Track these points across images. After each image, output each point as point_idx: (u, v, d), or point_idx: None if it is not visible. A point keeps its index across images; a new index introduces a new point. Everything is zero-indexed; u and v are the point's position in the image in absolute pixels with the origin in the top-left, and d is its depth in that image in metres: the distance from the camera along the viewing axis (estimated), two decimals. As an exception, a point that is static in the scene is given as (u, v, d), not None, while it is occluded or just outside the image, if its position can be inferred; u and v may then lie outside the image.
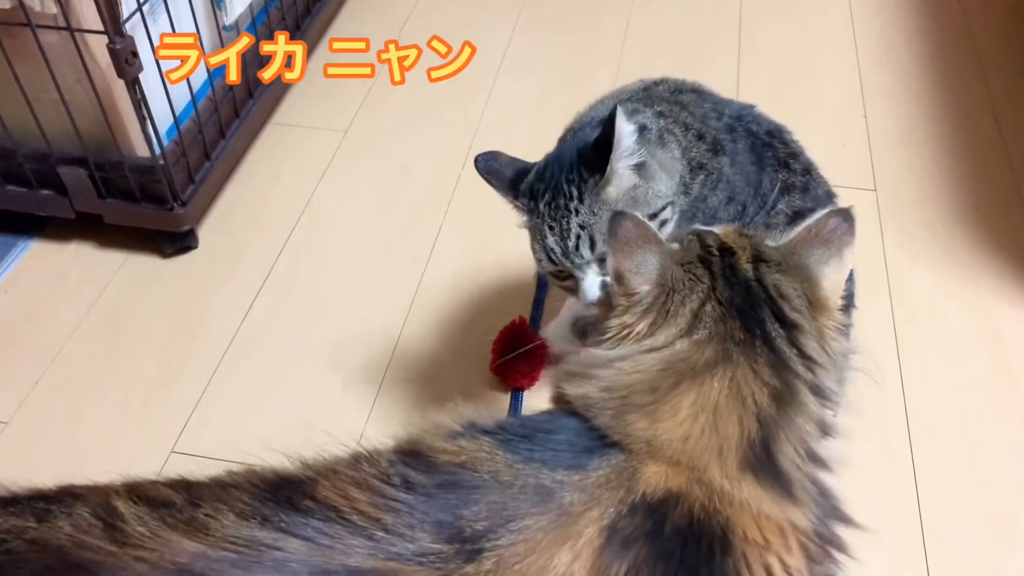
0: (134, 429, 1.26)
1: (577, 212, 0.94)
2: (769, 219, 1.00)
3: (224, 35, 1.55)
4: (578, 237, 0.94)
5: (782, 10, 2.05)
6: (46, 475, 1.21)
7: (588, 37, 1.98)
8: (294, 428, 1.26)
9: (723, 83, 1.82)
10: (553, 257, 0.96)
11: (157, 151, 1.37)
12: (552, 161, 0.98)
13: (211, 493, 0.64)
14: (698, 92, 1.06)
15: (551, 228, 0.95)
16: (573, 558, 0.60)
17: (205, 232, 1.54)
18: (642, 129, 0.96)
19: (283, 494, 0.63)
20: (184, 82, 1.43)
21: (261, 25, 1.66)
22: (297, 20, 1.81)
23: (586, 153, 0.94)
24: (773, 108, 1.76)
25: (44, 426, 1.26)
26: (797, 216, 0.99)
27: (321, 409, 1.28)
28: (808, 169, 1.04)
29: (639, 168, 0.94)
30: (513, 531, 0.61)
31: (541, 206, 0.96)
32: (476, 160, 1.00)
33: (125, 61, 1.24)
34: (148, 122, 1.34)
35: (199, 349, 1.36)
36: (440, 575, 0.58)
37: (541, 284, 1.43)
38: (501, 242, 1.51)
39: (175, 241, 1.49)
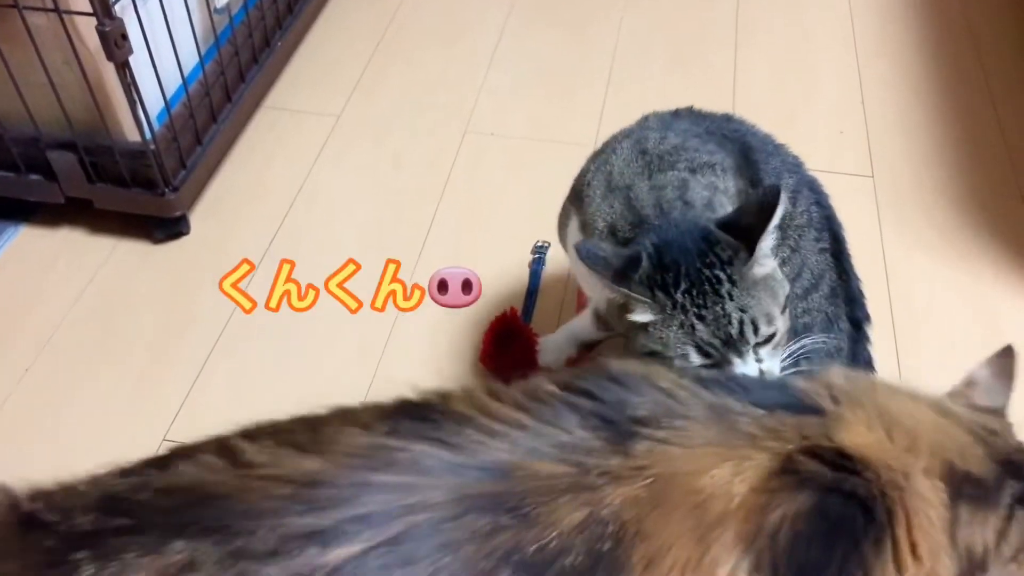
0: (125, 416, 1.25)
1: (731, 296, 0.87)
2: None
3: (216, 18, 1.53)
4: (741, 323, 0.87)
5: (780, -5, 2.03)
6: (36, 463, 1.20)
7: (583, 24, 1.96)
8: (289, 412, 1.25)
9: (720, 70, 1.81)
10: (710, 349, 0.88)
11: (148, 136, 1.36)
12: (667, 248, 0.89)
13: (331, 418, 0.62)
14: (679, 116, 1.06)
15: (701, 318, 0.87)
16: (734, 474, 0.55)
17: (197, 218, 1.52)
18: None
19: (412, 411, 0.60)
20: (175, 65, 1.41)
21: (254, 8, 1.64)
22: (289, 2, 1.79)
23: (712, 236, 0.89)
24: (770, 96, 1.76)
25: (34, 413, 1.25)
26: (797, 192, 1.03)
27: (316, 394, 1.27)
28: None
29: (772, 250, 0.90)
30: (674, 428, 0.56)
31: (679, 296, 0.87)
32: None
33: (115, 44, 1.22)
34: (138, 106, 1.32)
35: (191, 335, 1.35)
36: (578, 473, 0.54)
37: (534, 275, 1.42)
38: (495, 231, 1.50)
39: (166, 227, 1.47)
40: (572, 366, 1.25)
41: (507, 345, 1.27)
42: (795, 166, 1.07)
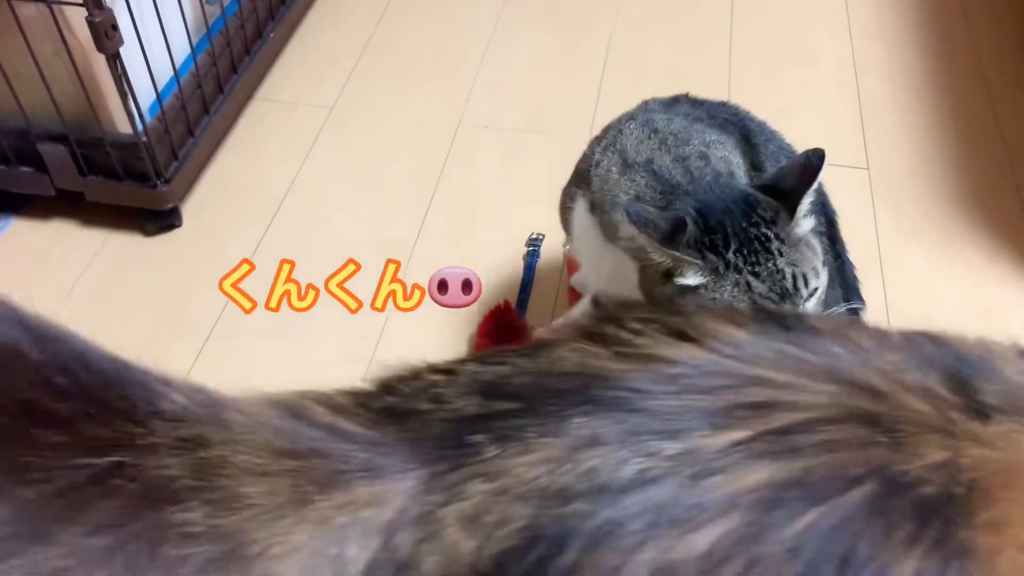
0: (118, 411, 1.24)
1: (781, 253, 0.90)
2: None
3: (207, 9, 1.52)
4: (794, 276, 0.90)
5: (775, -14, 2.03)
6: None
7: (578, 15, 1.95)
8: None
9: (715, 60, 1.80)
10: (767, 304, 0.91)
11: (139, 127, 1.35)
12: (710, 210, 0.92)
13: (700, 311, 0.63)
14: (673, 108, 1.07)
15: (756, 275, 0.90)
16: None
17: (189, 210, 1.51)
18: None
19: (776, 319, 0.62)
20: (166, 57, 1.40)
21: (246, 0, 1.63)
22: (282, -7, 1.78)
23: (752, 197, 0.91)
24: (766, 86, 1.75)
25: (26, 408, 1.25)
26: None
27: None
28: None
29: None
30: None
31: (730, 256, 0.90)
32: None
33: (105, 35, 1.21)
34: (130, 98, 1.31)
35: (184, 330, 1.34)
36: (944, 419, 0.54)
37: (529, 268, 1.41)
38: (489, 223, 1.50)
39: (158, 219, 1.46)
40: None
41: (502, 338, 1.26)
42: (791, 152, 1.08)
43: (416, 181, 1.57)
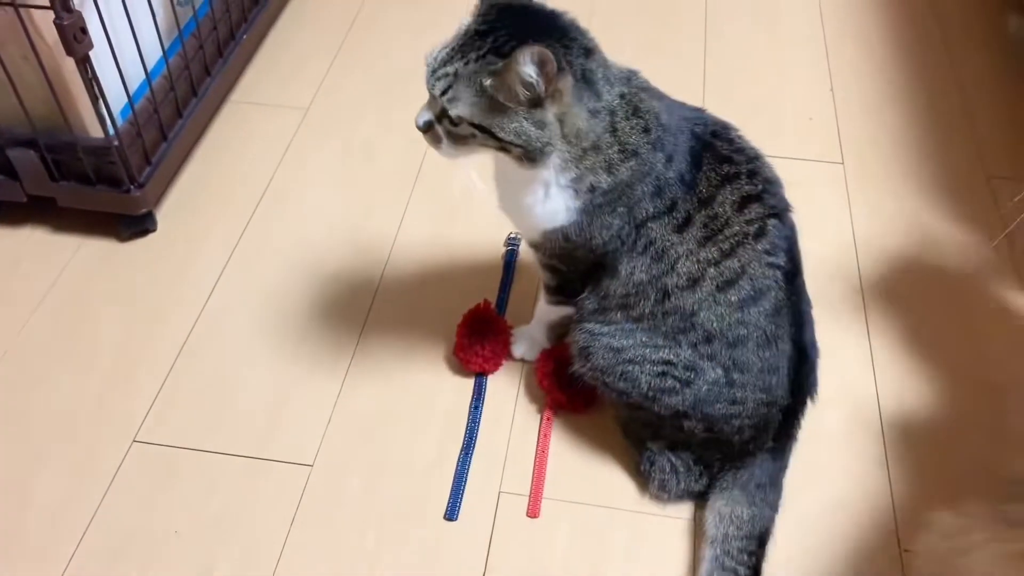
0: (93, 418, 1.23)
1: (454, 59, 0.94)
2: (716, 208, 0.99)
3: (179, 11, 1.51)
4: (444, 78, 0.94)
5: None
6: (3, 467, 1.18)
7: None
8: (262, 411, 1.23)
9: (690, 55, 1.81)
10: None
11: (111, 132, 1.33)
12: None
13: None
14: (659, 95, 1.03)
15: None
16: None
17: (164, 214, 1.50)
18: (585, 78, 0.94)
19: None
20: (138, 59, 1.38)
21: (218, 1, 1.61)
22: (255, -5, 1.76)
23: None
24: (738, 81, 1.76)
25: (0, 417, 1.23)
26: (746, 200, 1.00)
27: (289, 392, 1.26)
28: (755, 158, 1.03)
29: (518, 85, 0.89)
30: None
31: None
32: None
33: (74, 38, 1.20)
34: (101, 102, 1.30)
35: (160, 335, 1.33)
36: None
37: (508, 267, 1.41)
38: (468, 222, 1.49)
39: (132, 224, 1.45)
40: (548, 357, 1.24)
41: (481, 337, 1.26)
42: (766, 181, 1.03)
43: (394, 181, 1.57)
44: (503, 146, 0.94)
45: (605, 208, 1.00)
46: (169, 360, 1.30)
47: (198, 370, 1.29)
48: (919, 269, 1.42)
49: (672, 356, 1.03)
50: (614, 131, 0.97)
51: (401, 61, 1.81)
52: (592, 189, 0.99)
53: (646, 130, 0.98)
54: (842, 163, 1.60)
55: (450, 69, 0.93)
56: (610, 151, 0.97)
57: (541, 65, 0.87)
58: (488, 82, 0.90)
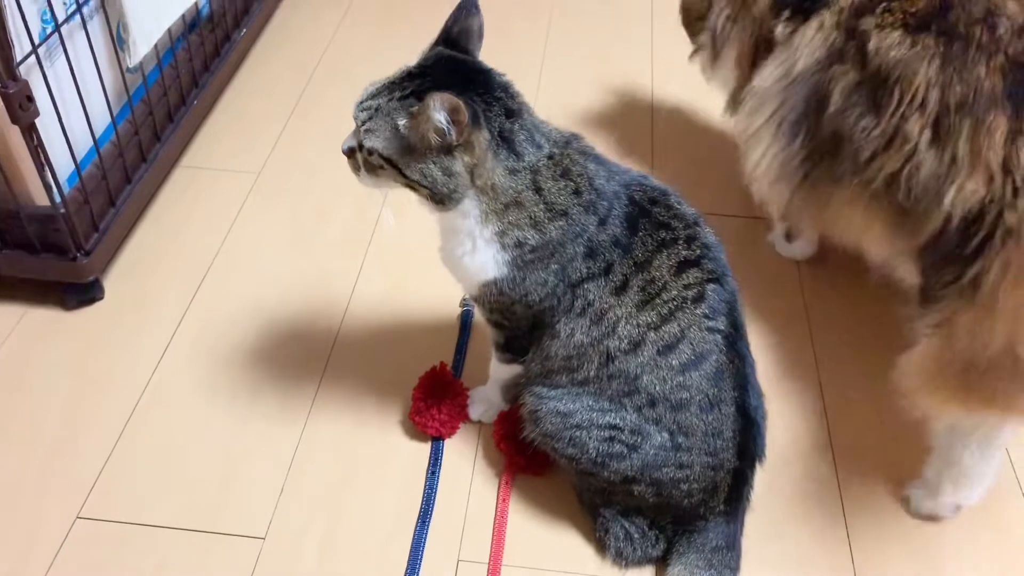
0: (34, 495, 1.18)
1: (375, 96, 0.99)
2: (652, 272, 1.00)
3: (128, 78, 1.50)
4: (362, 111, 0.99)
5: None
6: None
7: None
8: (212, 481, 1.20)
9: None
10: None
11: (57, 200, 1.31)
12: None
13: None
14: (600, 160, 1.05)
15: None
16: None
17: (111, 281, 1.47)
18: (504, 137, 0.97)
19: None
20: (85, 126, 1.37)
21: (168, 67, 1.61)
22: (205, 60, 1.77)
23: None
24: (685, 143, 1.80)
25: (-65, 497, 1.18)
26: (684, 265, 1.01)
27: (240, 461, 1.23)
28: (694, 224, 1.04)
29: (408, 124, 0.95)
30: None
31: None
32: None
33: (19, 106, 1.18)
34: (46, 170, 1.28)
35: (106, 405, 1.29)
36: None
37: (464, 329, 1.40)
38: (423, 284, 1.49)
39: (79, 292, 1.41)
40: (505, 419, 1.23)
41: (438, 401, 1.25)
42: (705, 246, 1.03)
43: (347, 244, 1.56)
44: (410, 184, 0.99)
45: (537, 264, 1.01)
46: (116, 431, 1.26)
47: (145, 441, 1.25)
48: (868, 318, 1.44)
49: (619, 420, 1.03)
50: (538, 190, 0.99)
51: (350, 125, 1.82)
52: (519, 244, 1.01)
53: (577, 192, 1.00)
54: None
55: (374, 103, 0.98)
56: (535, 208, 0.99)
57: (452, 113, 0.91)
58: (402, 122, 0.95)
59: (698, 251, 1.02)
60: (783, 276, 1.51)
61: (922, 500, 1.17)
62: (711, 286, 1.01)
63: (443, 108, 0.90)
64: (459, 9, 1.01)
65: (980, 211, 0.99)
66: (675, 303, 1.00)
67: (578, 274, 1.01)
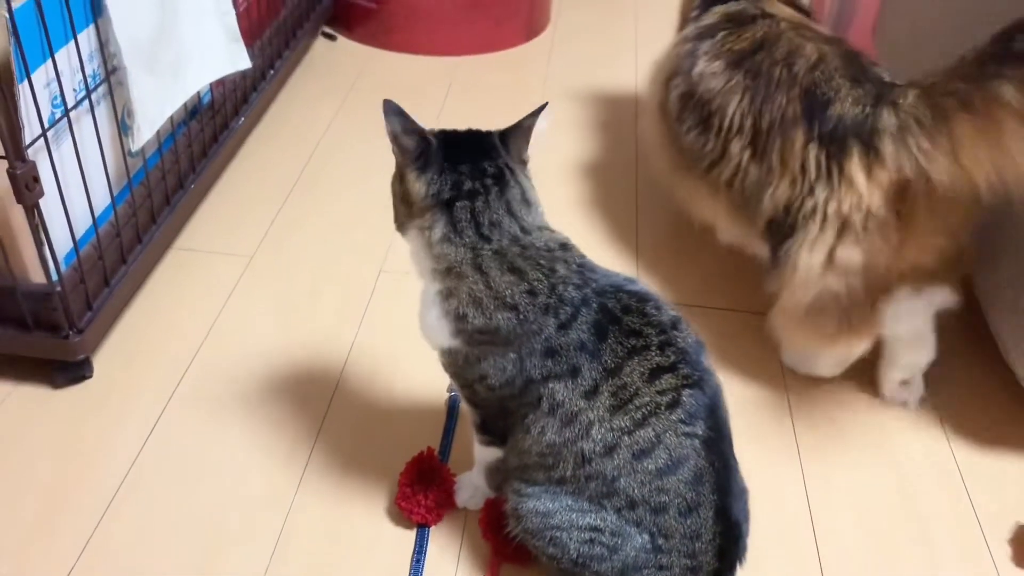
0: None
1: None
2: (624, 378, 1.00)
3: (130, 160, 1.54)
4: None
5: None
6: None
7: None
8: (190, 572, 1.18)
9: (624, 212, 1.90)
10: None
11: (54, 278, 1.32)
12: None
13: None
14: (580, 267, 1.06)
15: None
16: None
17: (101, 360, 1.47)
18: (448, 206, 1.03)
19: None
20: (86, 206, 1.40)
21: (168, 152, 1.65)
22: (204, 146, 1.81)
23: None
24: (668, 236, 1.84)
25: (-92, 577, 1.15)
26: (657, 371, 1.00)
27: (220, 550, 1.21)
28: (672, 327, 1.04)
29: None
30: None
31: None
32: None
33: (25, 186, 1.21)
34: (46, 248, 1.30)
35: (88, 488, 1.28)
36: None
37: (451, 413, 1.41)
38: (411, 369, 1.50)
39: (68, 371, 1.41)
40: (492, 507, 1.23)
41: (424, 487, 1.25)
42: (681, 351, 1.03)
43: (336, 329, 1.58)
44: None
45: (494, 350, 1.03)
46: (95, 516, 1.24)
47: (127, 525, 1.23)
48: (851, 415, 1.47)
49: (599, 522, 1.03)
50: (480, 271, 1.03)
51: (347, 210, 1.86)
52: (462, 317, 1.03)
53: (531, 293, 1.02)
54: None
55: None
56: (475, 286, 1.02)
57: (400, 132, 1.02)
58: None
59: (672, 357, 1.01)
60: (765, 368, 1.54)
61: (797, 365, 1.51)
62: (687, 391, 1.00)
63: (395, 117, 1.02)
64: (398, 116, 1.05)
65: (788, 205, 1.31)
66: (648, 409, 1.00)
67: (538, 371, 1.02)
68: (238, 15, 1.79)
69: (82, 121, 1.39)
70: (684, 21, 1.72)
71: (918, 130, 1.20)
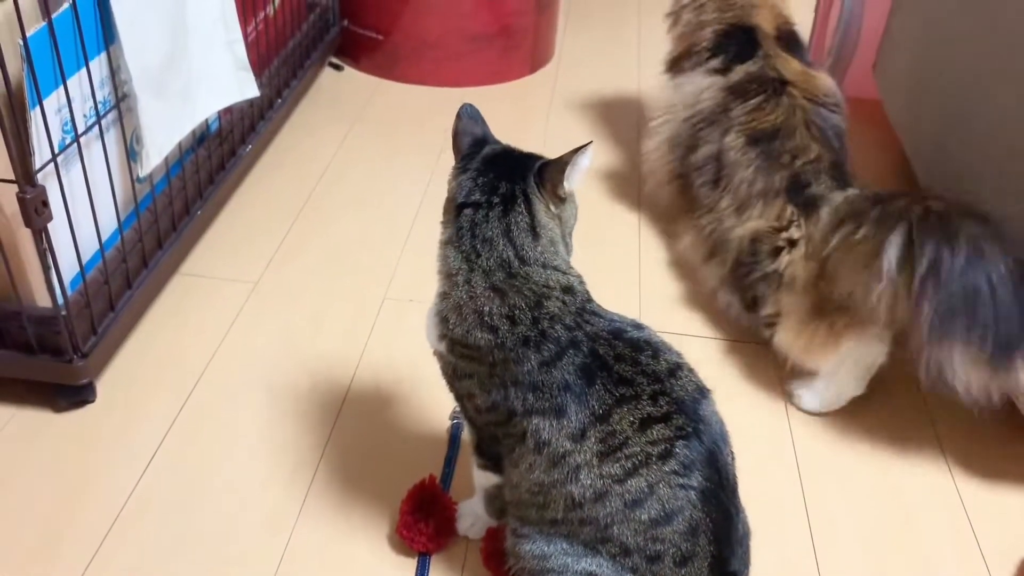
0: (10, 602, 1.16)
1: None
2: (612, 425, 0.98)
3: (137, 186, 1.55)
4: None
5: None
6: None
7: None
8: (191, 596, 1.18)
9: (624, 268, 1.91)
10: None
11: (60, 302, 1.33)
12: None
13: None
14: (583, 308, 1.04)
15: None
16: None
17: (104, 384, 1.47)
18: (457, 211, 1.05)
19: None
20: (93, 231, 1.41)
21: (175, 178, 1.67)
22: (211, 173, 1.83)
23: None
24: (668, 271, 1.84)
25: (-94, 601, 1.15)
26: (648, 421, 0.97)
27: (223, 574, 1.21)
28: (668, 375, 1.01)
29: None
30: None
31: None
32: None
33: (34, 211, 1.22)
34: (53, 272, 1.30)
35: (88, 513, 1.27)
36: None
37: (453, 442, 1.41)
38: (414, 397, 1.50)
39: (71, 394, 1.42)
40: (493, 536, 1.23)
41: (426, 515, 1.24)
42: (675, 401, 0.99)
43: (340, 355, 1.58)
44: None
45: (479, 370, 1.04)
46: (96, 541, 1.24)
47: (128, 551, 1.23)
48: (852, 453, 1.47)
49: (595, 567, 1.01)
50: (469, 283, 1.04)
51: (352, 238, 1.87)
52: (444, 320, 1.06)
53: (511, 320, 1.01)
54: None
55: None
56: (462, 297, 1.04)
57: (463, 120, 1.09)
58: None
59: (665, 407, 0.98)
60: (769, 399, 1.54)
61: (803, 398, 1.54)
62: (681, 443, 0.97)
63: (461, 117, 1.09)
64: (466, 118, 1.10)
65: (755, 239, 1.57)
66: (639, 459, 0.97)
67: (521, 404, 1.01)
68: (247, 44, 1.81)
69: (92, 147, 1.40)
70: (688, 53, 1.79)
71: (829, 224, 1.48)
